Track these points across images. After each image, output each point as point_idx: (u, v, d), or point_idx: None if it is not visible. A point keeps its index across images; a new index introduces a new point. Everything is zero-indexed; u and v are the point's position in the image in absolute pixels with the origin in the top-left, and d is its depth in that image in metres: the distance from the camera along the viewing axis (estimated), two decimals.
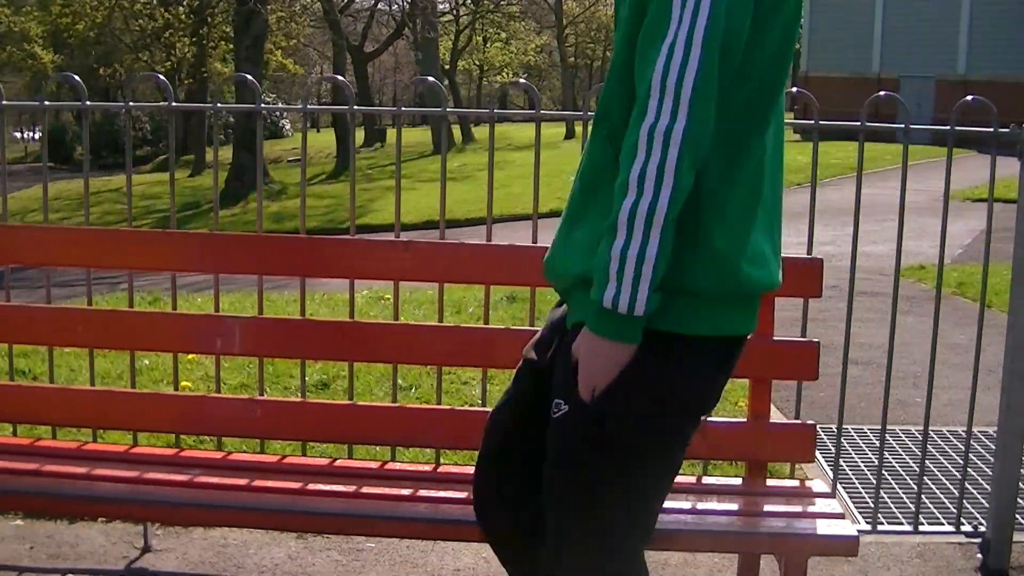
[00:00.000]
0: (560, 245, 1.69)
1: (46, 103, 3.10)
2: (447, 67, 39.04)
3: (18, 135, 45.66)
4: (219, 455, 2.65)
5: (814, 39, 33.24)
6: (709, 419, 2.80)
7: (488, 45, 47.85)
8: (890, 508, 3.55)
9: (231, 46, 26.03)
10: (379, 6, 26.65)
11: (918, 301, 7.68)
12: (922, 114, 26.25)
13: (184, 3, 25.87)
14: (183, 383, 4.82)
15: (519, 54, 48.67)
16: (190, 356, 5.24)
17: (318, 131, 42.46)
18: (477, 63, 49.23)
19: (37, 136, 37.93)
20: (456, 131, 33.45)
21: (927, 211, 11.93)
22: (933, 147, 21.27)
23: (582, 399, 1.59)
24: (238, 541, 3.20)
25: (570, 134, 33.66)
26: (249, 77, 3.29)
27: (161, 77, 3.28)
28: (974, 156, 17.91)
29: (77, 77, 3.19)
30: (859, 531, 2.60)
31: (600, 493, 1.70)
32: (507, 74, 47.61)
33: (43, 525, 3.31)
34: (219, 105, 3.09)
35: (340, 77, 4.12)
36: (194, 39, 25.73)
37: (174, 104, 3.10)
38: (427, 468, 2.68)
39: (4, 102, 3.09)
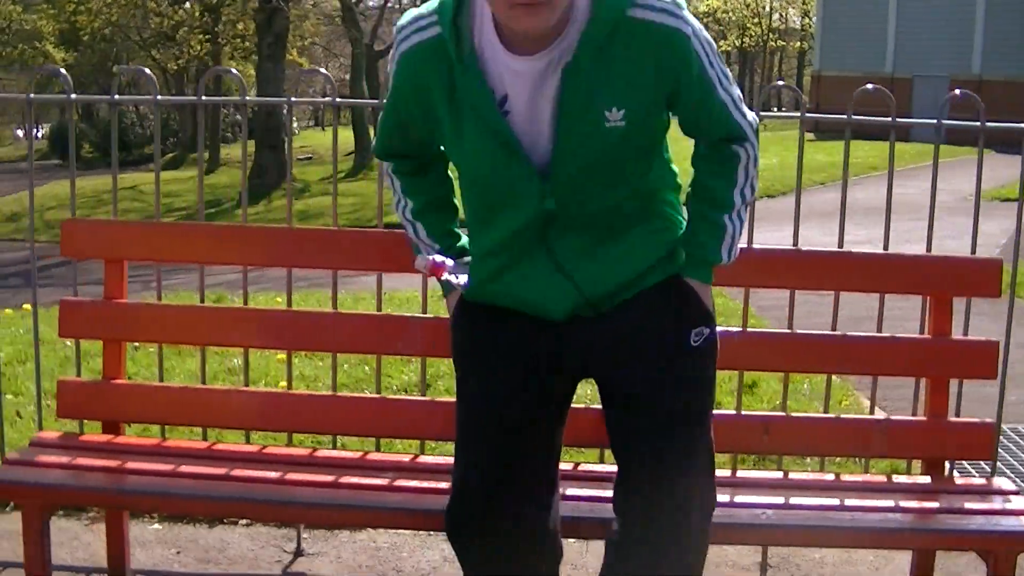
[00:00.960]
0: (597, 263, 2.02)
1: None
2: None
3: (20, 133, 45.42)
4: (407, 457, 2.62)
5: (827, 38, 33.20)
6: (891, 418, 2.80)
7: None
8: None
9: (246, 43, 25.94)
10: (388, 4, 26.47)
11: (974, 301, 7.65)
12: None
13: (199, 0, 25.77)
14: (280, 384, 4.78)
15: None
16: (279, 355, 5.19)
17: (323, 129, 42.14)
18: None
19: (41, 135, 37.79)
20: None
21: (957, 211, 11.90)
22: (952, 146, 21.31)
23: (713, 322, 2.11)
24: (388, 543, 3.17)
25: None
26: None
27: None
28: (994, 155, 17.90)
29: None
30: None
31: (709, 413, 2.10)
32: None
33: (183, 529, 3.27)
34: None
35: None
36: (208, 36, 25.61)
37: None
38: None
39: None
